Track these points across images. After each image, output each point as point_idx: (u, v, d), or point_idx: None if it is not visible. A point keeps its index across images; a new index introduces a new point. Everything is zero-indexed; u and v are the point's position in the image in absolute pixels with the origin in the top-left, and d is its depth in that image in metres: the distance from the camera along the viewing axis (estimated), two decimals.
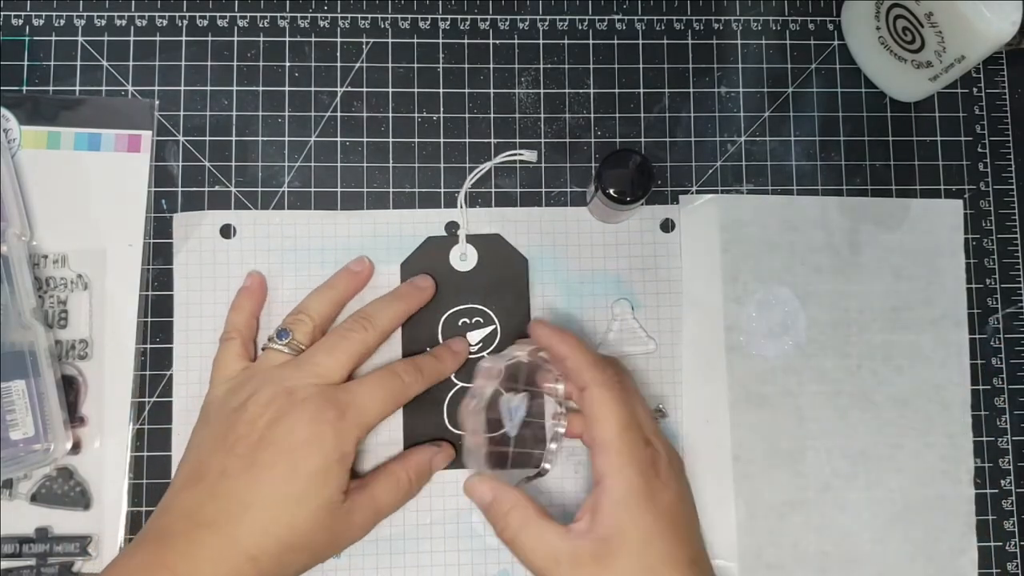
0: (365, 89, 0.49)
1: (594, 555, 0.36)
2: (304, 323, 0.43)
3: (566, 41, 0.50)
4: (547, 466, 0.45)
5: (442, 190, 0.48)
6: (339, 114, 0.48)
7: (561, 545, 0.37)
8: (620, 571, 0.36)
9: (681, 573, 0.37)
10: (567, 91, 0.49)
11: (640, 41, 0.50)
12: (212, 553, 0.37)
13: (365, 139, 0.48)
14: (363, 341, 0.42)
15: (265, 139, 0.48)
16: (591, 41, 0.50)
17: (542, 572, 0.37)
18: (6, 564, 0.43)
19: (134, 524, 0.45)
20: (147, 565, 0.37)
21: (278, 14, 0.49)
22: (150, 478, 0.45)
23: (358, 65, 0.49)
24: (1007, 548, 0.47)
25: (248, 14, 0.49)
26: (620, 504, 0.37)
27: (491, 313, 0.47)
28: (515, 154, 0.48)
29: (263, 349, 0.43)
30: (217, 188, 0.47)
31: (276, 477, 0.38)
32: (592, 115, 0.49)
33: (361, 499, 0.41)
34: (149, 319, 0.46)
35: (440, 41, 0.49)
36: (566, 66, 0.49)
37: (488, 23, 0.50)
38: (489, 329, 0.47)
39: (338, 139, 0.48)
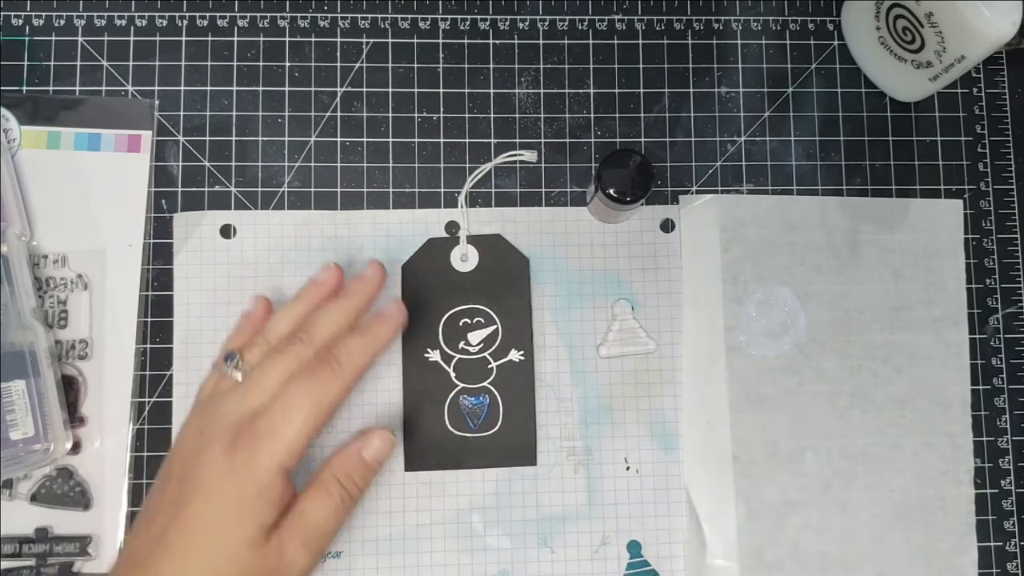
0: (365, 89, 0.49)
1: None
2: (258, 345, 0.40)
3: (566, 41, 0.50)
4: None
5: (442, 190, 0.48)
6: (339, 114, 0.48)
7: None
8: None
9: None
10: (567, 91, 0.49)
11: (640, 41, 0.50)
12: None
13: (365, 139, 0.48)
14: (300, 354, 0.39)
15: (265, 139, 0.48)
16: (591, 41, 0.50)
17: None
18: (6, 564, 0.43)
19: None
20: None
21: (278, 14, 0.49)
22: (150, 478, 0.45)
23: (358, 65, 0.49)
24: (1007, 548, 0.47)
25: (248, 14, 0.49)
26: None
27: (492, 313, 0.47)
28: (515, 154, 0.48)
29: (218, 373, 0.40)
30: (217, 188, 0.47)
31: (195, 517, 0.35)
32: (592, 115, 0.49)
33: (291, 527, 0.37)
34: (149, 319, 0.46)
35: (440, 41, 0.49)
36: (566, 66, 0.49)
37: (488, 23, 0.50)
38: (490, 329, 0.47)
39: (338, 139, 0.48)
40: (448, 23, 0.49)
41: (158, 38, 0.48)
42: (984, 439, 0.48)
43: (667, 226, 0.48)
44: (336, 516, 0.38)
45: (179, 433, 0.40)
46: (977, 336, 0.49)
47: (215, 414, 0.38)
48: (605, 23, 0.50)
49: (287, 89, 0.48)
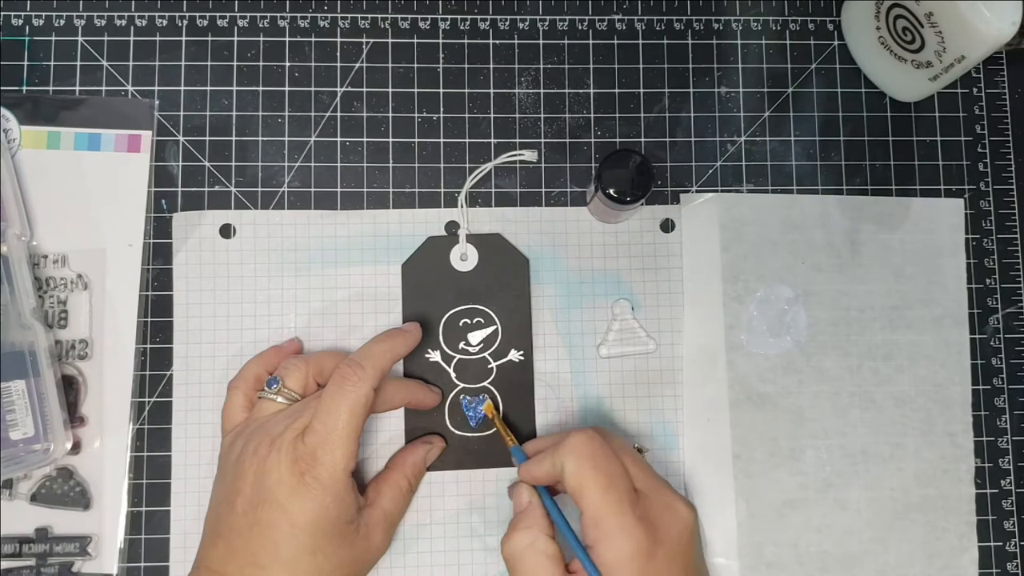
0: (365, 89, 0.49)
1: None
2: (298, 368, 0.42)
3: (566, 41, 0.50)
4: None
5: (442, 190, 0.48)
6: (339, 114, 0.48)
7: None
8: None
9: None
10: (567, 91, 0.49)
11: (640, 41, 0.50)
12: None
13: (365, 139, 0.48)
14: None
15: (265, 139, 0.48)
16: (591, 41, 0.50)
17: None
18: (6, 564, 0.43)
19: (134, 524, 0.45)
20: None
21: (278, 14, 0.49)
22: (150, 478, 0.45)
23: (358, 65, 0.49)
24: (1007, 548, 0.47)
25: (248, 14, 0.49)
26: None
27: (491, 313, 0.47)
28: (515, 154, 0.48)
29: (259, 398, 0.42)
30: (217, 188, 0.47)
31: (282, 537, 0.38)
32: (592, 115, 0.49)
33: (373, 519, 0.41)
34: (149, 319, 0.46)
35: (440, 41, 0.49)
36: (566, 66, 0.49)
37: (488, 23, 0.50)
38: (490, 329, 0.47)
39: (338, 139, 0.48)
40: (448, 23, 0.49)
41: (158, 38, 0.48)
42: (984, 439, 0.48)
43: (667, 226, 0.48)
44: (405, 510, 0.44)
45: (228, 460, 0.40)
46: (977, 336, 0.49)
47: (267, 437, 0.39)
48: (605, 23, 0.50)
49: (287, 89, 0.48)
